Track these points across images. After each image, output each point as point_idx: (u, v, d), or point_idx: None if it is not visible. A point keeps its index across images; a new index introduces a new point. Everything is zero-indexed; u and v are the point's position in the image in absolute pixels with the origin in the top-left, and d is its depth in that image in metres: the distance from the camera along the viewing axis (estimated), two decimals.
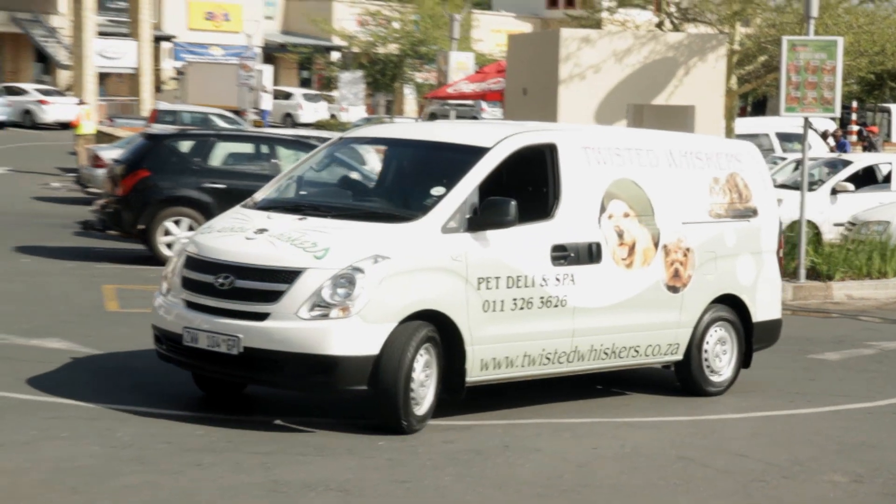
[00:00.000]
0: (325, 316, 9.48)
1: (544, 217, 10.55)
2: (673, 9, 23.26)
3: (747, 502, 8.77)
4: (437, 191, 10.35)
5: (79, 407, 10.14)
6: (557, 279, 10.54)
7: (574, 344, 10.73)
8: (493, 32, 64.32)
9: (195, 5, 69.44)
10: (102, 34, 60.32)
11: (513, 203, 10.05)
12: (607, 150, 11.19)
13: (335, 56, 66.83)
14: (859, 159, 24.92)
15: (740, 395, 12.08)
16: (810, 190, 20.93)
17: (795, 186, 20.93)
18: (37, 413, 9.87)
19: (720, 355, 11.88)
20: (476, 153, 10.50)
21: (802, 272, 18.76)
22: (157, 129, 30.65)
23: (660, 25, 23.57)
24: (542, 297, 10.44)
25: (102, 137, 36.74)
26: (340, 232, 9.92)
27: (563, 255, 10.56)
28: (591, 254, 10.76)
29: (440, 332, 9.89)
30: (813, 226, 20.97)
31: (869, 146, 40.38)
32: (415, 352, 9.66)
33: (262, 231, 10.02)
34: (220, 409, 10.51)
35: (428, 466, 9.01)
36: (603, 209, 10.90)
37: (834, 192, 22.51)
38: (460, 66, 36.12)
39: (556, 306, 10.54)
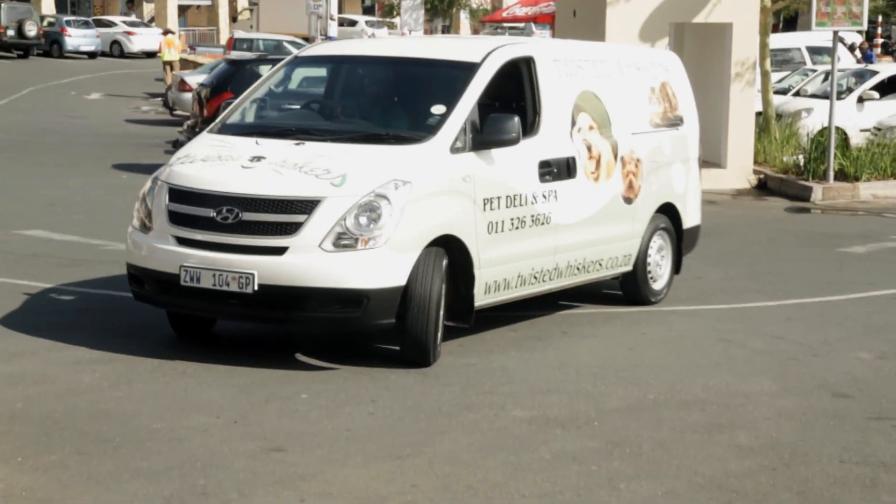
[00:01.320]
0: (350, 247, 8.30)
1: (530, 133, 9.51)
2: None
3: (782, 377, 8.96)
4: (437, 109, 9.23)
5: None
6: (544, 196, 9.62)
7: (555, 261, 9.85)
8: None
9: None
10: None
11: (516, 119, 9.12)
12: (573, 61, 10.27)
13: None
14: (884, 69, 24.68)
15: (776, 284, 12.27)
16: (838, 99, 20.87)
17: (825, 96, 20.95)
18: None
19: (660, 263, 11.13)
20: (467, 69, 9.43)
21: (831, 174, 18.82)
22: (236, 55, 30.94)
23: None
24: (532, 216, 9.51)
25: (185, 64, 37.08)
26: (351, 157, 8.74)
27: (548, 171, 9.65)
28: (568, 169, 9.85)
29: (449, 257, 8.83)
30: (841, 132, 20.90)
31: (894, 57, 39.91)
32: (441, 280, 8.66)
33: (258, 159, 8.73)
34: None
35: (495, 350, 9.29)
36: (573, 122, 9.99)
37: (860, 100, 22.38)
38: None
39: (542, 224, 9.61)
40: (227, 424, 7.34)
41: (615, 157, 10.41)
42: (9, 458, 6.67)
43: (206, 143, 9.32)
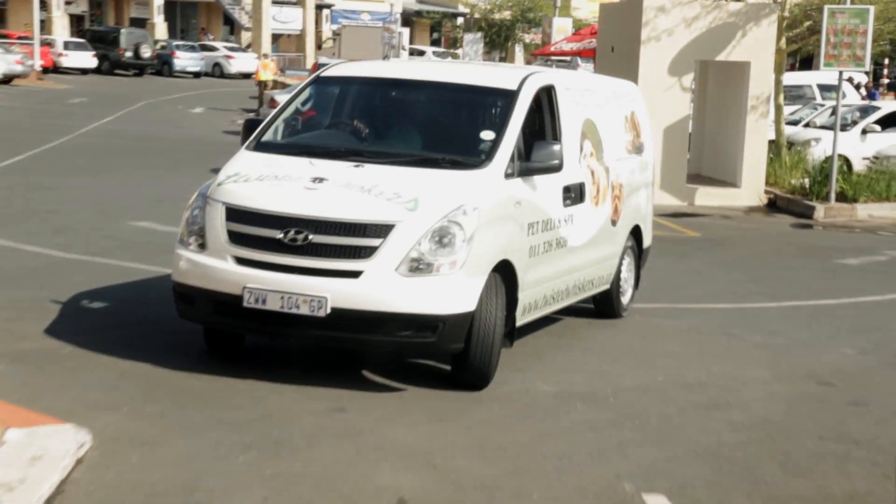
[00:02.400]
0: (425, 272, 7.33)
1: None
2: None
3: (775, 366, 9.03)
4: (487, 135, 8.37)
5: None
6: (565, 220, 8.89)
7: (567, 282, 9.12)
8: (588, 1, 63.77)
9: None
10: (276, 2, 60.93)
11: (560, 147, 8.45)
12: (578, 91, 9.51)
13: (460, 21, 66.78)
14: (886, 106, 24.57)
15: (777, 288, 12.33)
16: (844, 130, 21.02)
17: (831, 127, 20.95)
18: None
19: (628, 279, 10.49)
20: (506, 96, 8.57)
21: (833, 195, 18.79)
22: None
23: None
24: (557, 239, 8.76)
25: (276, 84, 37.47)
26: (417, 181, 7.71)
27: (568, 195, 8.91)
28: (581, 194, 9.13)
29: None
30: (845, 159, 20.91)
31: None
32: (503, 304, 7.83)
33: (319, 180, 7.64)
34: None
35: (529, 336, 9.26)
36: (581, 149, 9.24)
37: (864, 132, 22.32)
38: (560, 29, 36.11)
39: (563, 247, 8.87)
40: (298, 388, 7.58)
41: (608, 182, 9.78)
42: (118, 407, 6.97)
43: (254, 162, 8.17)
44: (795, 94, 27.59)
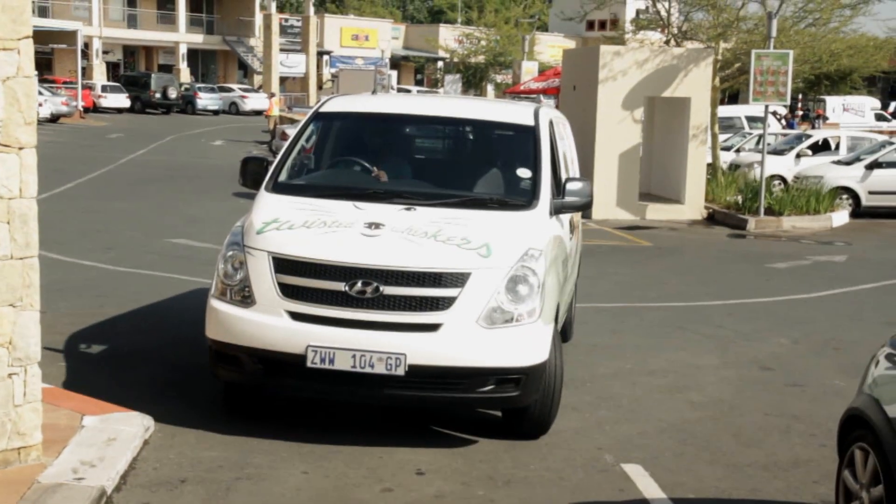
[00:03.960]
0: (506, 322, 5.93)
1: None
2: (676, 30, 23.19)
3: (723, 355, 9.08)
4: (523, 173, 7.11)
5: None
6: (570, 254, 7.78)
7: (556, 314, 6.90)
8: (550, 47, 63.95)
9: (346, 30, 69.61)
10: (283, 50, 60.90)
11: (590, 183, 7.07)
12: (556, 123, 8.13)
13: (440, 64, 66.91)
14: (817, 134, 24.92)
15: (721, 289, 12.41)
16: (782, 154, 21.99)
17: (772, 152, 21.57)
18: None
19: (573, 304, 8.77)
20: (525, 131, 7.30)
21: (762, 210, 18.91)
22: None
23: (667, 42, 23.55)
24: (566, 275, 7.38)
25: (284, 119, 37.45)
26: (479, 225, 6.29)
27: (570, 229, 7.88)
28: (571, 227, 8.00)
29: None
30: (782, 178, 21.38)
31: (812, 124, 39.83)
32: (560, 349, 6.49)
33: (376, 225, 6.16)
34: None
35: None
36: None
37: (798, 156, 22.65)
38: (528, 71, 36.18)
39: (566, 280, 7.42)
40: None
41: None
42: (177, 397, 6.95)
43: (288, 206, 6.49)
44: (727, 125, 27.82)
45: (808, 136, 23.93)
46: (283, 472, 5.76)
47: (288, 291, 5.94)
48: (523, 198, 6.82)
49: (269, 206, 6.56)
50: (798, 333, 10.10)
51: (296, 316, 5.90)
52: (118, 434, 5.80)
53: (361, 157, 7.41)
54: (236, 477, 5.65)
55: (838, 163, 21.39)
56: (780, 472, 6.16)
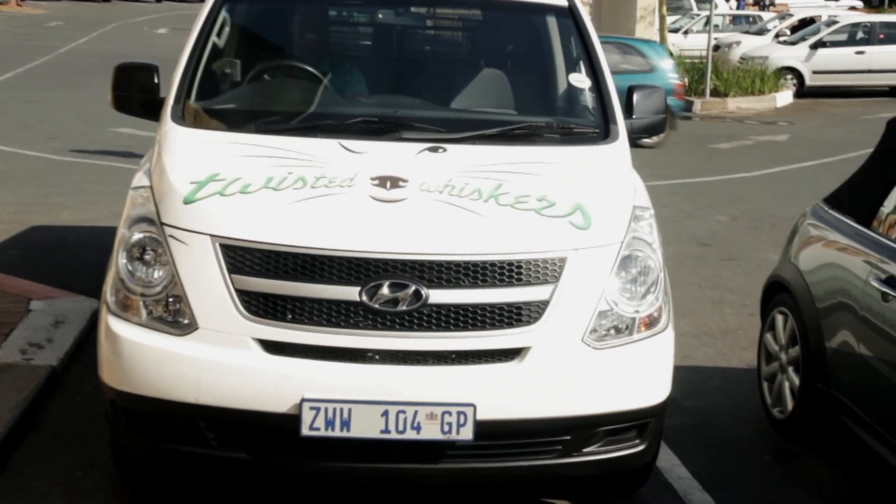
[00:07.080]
0: (625, 333, 3.55)
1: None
2: None
3: (663, 231, 8.77)
4: (578, 80, 4.54)
5: None
6: None
7: None
8: None
9: None
10: None
11: (663, 92, 4.84)
12: None
13: None
14: (797, 14, 25.20)
15: (665, 170, 12.58)
16: (760, 35, 23.17)
17: (756, 33, 22.15)
18: None
19: None
20: (563, 15, 4.77)
21: (708, 91, 19.06)
22: None
23: None
24: None
25: None
26: (553, 173, 3.90)
27: None
28: None
29: None
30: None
31: (761, 6, 39.77)
32: None
33: (393, 183, 3.58)
34: None
35: None
36: None
37: (776, 36, 22.91)
38: None
39: None
40: None
41: None
42: None
43: (230, 151, 3.83)
44: (675, 6, 27.75)
45: (790, 16, 23.83)
46: None
47: (256, 305, 3.35)
48: (589, 121, 4.41)
49: (193, 152, 3.87)
50: (737, 211, 10.33)
51: (273, 347, 3.34)
52: (65, 317, 5.89)
53: (320, 57, 4.65)
54: None
55: (783, 43, 21.51)
56: (709, 340, 6.43)
